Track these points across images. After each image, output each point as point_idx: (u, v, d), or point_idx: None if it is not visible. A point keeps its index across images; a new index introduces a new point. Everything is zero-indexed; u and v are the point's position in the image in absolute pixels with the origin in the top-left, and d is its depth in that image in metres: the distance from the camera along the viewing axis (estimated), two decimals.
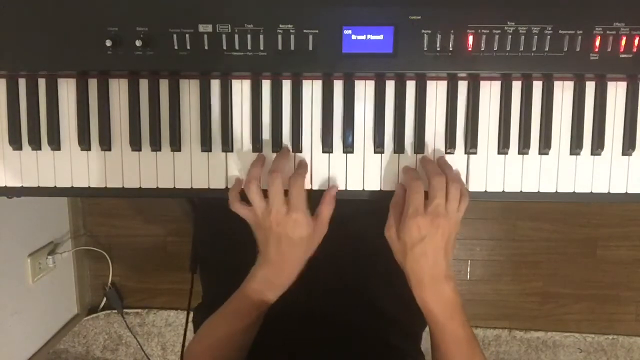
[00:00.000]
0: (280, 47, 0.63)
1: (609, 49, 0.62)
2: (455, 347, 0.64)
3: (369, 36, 0.62)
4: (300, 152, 0.67)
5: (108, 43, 0.62)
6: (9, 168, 0.68)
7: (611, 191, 0.67)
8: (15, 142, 0.67)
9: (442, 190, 0.61)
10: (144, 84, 0.66)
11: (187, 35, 0.62)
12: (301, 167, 0.65)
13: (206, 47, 0.63)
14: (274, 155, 0.67)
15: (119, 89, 0.67)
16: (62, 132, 0.67)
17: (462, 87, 0.66)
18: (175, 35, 0.62)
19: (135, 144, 0.67)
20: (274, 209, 0.61)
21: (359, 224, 0.80)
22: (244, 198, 0.64)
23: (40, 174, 0.68)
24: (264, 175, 0.64)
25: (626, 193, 0.67)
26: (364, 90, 0.67)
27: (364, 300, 0.80)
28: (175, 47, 0.63)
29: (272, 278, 0.64)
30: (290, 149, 0.67)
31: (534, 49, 0.62)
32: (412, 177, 0.63)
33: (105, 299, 1.67)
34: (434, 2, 0.62)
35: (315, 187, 0.67)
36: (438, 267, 0.61)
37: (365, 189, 0.67)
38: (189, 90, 0.67)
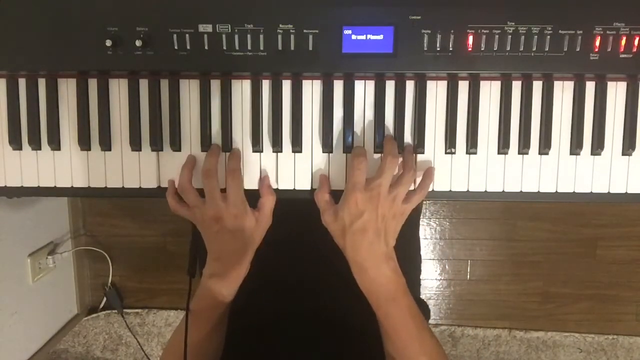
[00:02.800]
0: (280, 47, 0.63)
1: (609, 49, 0.62)
2: (401, 331, 0.62)
3: (369, 36, 0.62)
4: (300, 152, 0.67)
5: (108, 43, 0.62)
6: (9, 168, 0.68)
7: (611, 191, 0.67)
8: (15, 142, 0.67)
9: (390, 171, 0.61)
10: (144, 84, 0.66)
11: (187, 35, 0.62)
12: (234, 161, 0.65)
13: (206, 47, 0.63)
14: (277, 154, 0.67)
15: (119, 89, 0.67)
16: (62, 132, 0.67)
17: (462, 87, 0.66)
18: (175, 35, 0.62)
19: (135, 144, 0.67)
20: (213, 207, 0.62)
21: None
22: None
23: (40, 174, 0.68)
24: (196, 176, 0.65)
25: (626, 193, 0.67)
26: (364, 90, 0.67)
27: (362, 300, 0.80)
28: (175, 47, 0.63)
29: (221, 274, 0.64)
30: (220, 147, 0.66)
31: (534, 49, 0.62)
32: (356, 153, 0.62)
33: (105, 299, 1.67)
34: (434, 2, 0.62)
35: (316, 187, 0.67)
36: (377, 246, 0.61)
37: None
38: (189, 90, 0.67)
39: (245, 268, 0.65)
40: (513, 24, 0.62)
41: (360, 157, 0.61)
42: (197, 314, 0.65)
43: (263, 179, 0.66)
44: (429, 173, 0.65)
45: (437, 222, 1.68)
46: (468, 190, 0.67)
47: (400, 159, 0.64)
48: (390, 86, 0.66)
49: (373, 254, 0.61)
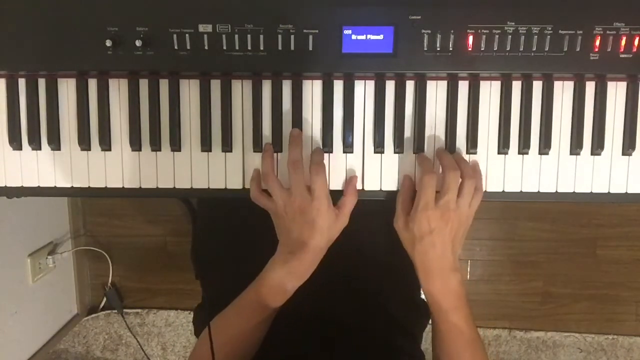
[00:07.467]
0: (280, 47, 0.63)
1: (609, 49, 0.62)
2: (457, 339, 0.64)
3: (369, 36, 0.62)
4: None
5: (108, 43, 0.62)
6: (9, 168, 0.68)
7: (611, 191, 0.67)
8: (15, 142, 0.67)
9: (455, 185, 0.62)
10: (144, 84, 0.66)
11: (187, 35, 0.62)
12: (319, 155, 0.65)
13: (206, 47, 0.63)
14: (277, 155, 0.67)
15: (119, 89, 0.67)
16: (62, 132, 0.67)
17: (462, 87, 0.66)
18: (175, 35, 0.62)
19: (135, 144, 0.67)
20: (298, 199, 0.61)
21: (360, 224, 0.81)
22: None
23: (40, 174, 0.68)
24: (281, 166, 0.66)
25: (626, 193, 0.67)
26: (364, 90, 0.67)
27: (365, 301, 0.80)
28: (175, 47, 0.63)
29: (293, 267, 0.63)
30: (301, 135, 0.66)
31: (534, 49, 0.62)
32: (426, 169, 0.63)
33: (105, 299, 1.67)
34: (434, 2, 0.62)
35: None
36: (445, 258, 0.63)
37: (366, 189, 0.67)
38: (189, 90, 0.67)
39: (315, 265, 0.64)
40: (513, 24, 0.62)
41: (431, 174, 0.62)
42: (253, 303, 0.65)
43: (350, 179, 0.66)
44: (478, 173, 0.66)
45: None
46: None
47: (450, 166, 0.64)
48: (390, 86, 0.66)
49: (440, 266, 0.63)
